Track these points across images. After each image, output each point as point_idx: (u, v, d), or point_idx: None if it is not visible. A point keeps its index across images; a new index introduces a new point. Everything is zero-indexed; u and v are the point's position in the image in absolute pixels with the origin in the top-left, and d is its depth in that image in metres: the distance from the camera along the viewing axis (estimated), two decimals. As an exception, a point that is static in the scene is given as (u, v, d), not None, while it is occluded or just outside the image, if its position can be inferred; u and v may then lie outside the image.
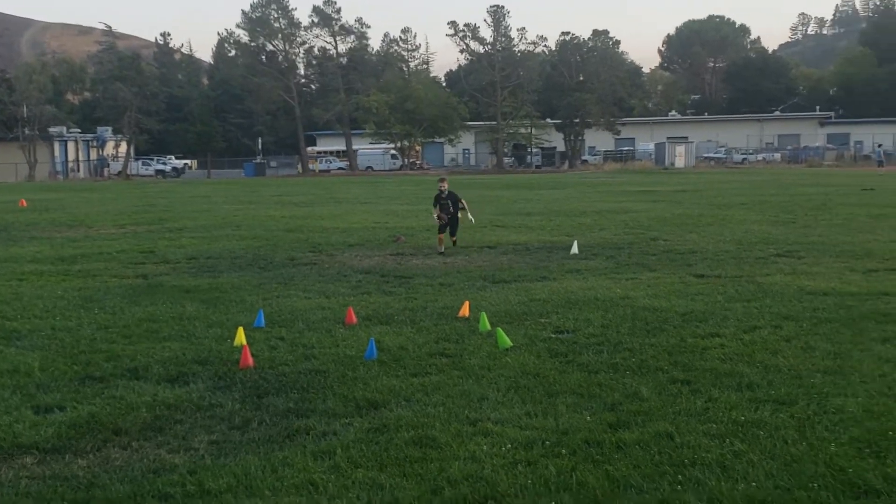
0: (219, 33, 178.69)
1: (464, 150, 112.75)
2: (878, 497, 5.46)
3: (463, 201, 20.11)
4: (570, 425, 7.02)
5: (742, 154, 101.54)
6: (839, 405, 7.35)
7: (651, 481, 5.80)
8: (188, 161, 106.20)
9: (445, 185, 19.96)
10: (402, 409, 7.57)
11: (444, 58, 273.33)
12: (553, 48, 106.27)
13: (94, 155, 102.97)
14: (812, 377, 8.28)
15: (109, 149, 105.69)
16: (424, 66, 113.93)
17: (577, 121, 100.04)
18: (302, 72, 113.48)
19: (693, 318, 11.27)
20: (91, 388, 8.43)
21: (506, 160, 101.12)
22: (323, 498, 5.66)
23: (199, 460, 6.44)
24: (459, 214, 19.88)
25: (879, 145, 78.65)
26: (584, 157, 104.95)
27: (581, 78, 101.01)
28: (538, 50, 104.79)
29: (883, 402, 7.43)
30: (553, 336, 10.41)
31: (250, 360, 9.21)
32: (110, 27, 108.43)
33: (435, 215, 19.81)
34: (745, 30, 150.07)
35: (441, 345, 10.04)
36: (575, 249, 18.80)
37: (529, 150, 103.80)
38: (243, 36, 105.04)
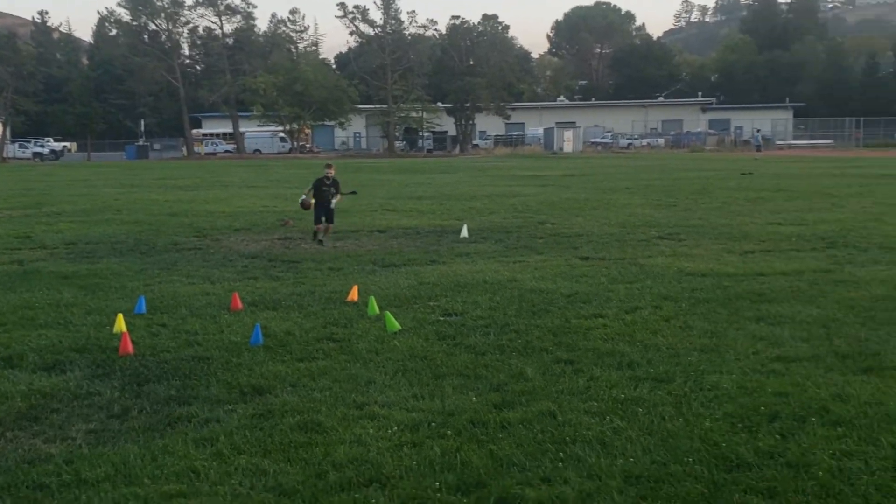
0: (99, 12, 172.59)
1: (354, 133, 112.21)
2: (749, 470, 5.69)
3: (340, 194, 18.67)
4: (455, 406, 7.09)
5: (627, 139, 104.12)
6: (714, 382, 7.63)
7: (534, 459, 5.92)
8: (67, 143, 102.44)
9: (332, 172, 18.47)
10: (287, 395, 7.51)
11: (334, 40, 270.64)
12: (443, 32, 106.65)
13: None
14: (689, 355, 8.56)
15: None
16: (313, 48, 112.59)
17: (467, 105, 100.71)
18: (186, 52, 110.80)
19: (577, 299, 11.51)
20: (-41, 379, 8.08)
21: (397, 144, 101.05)
22: (204, 485, 5.58)
23: (77, 449, 6.26)
24: (334, 202, 18.26)
25: (758, 130, 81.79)
26: (474, 142, 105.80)
27: (471, 62, 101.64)
28: (428, 33, 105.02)
29: (756, 378, 7.73)
30: (441, 319, 10.47)
31: (130, 348, 8.98)
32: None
33: (301, 200, 18.43)
34: (630, 17, 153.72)
35: (329, 329, 9.98)
36: (465, 233, 18.95)
37: (421, 133, 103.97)
38: (125, 15, 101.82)
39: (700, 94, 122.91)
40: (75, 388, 7.79)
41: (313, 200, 17.95)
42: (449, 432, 6.47)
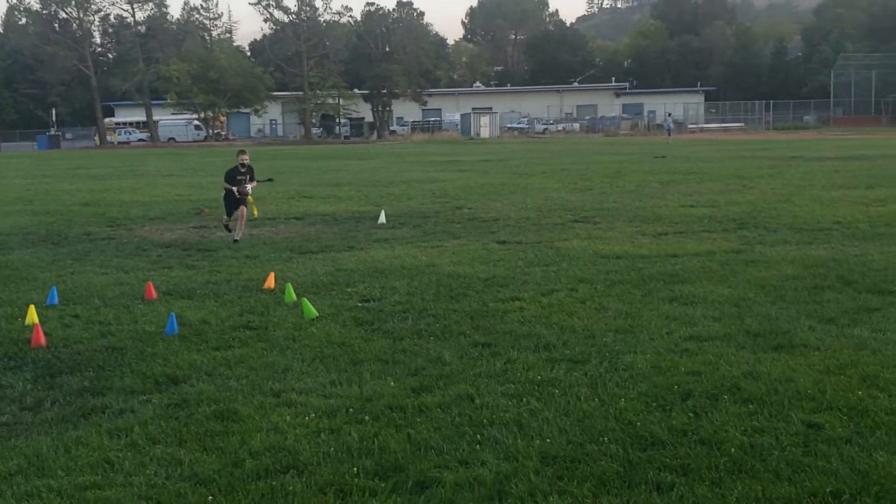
0: (8, 0, 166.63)
1: (271, 120, 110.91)
2: (664, 448, 5.83)
3: (256, 181, 17.21)
4: (373, 392, 7.12)
5: (543, 124, 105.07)
6: (629, 362, 7.81)
7: (451, 442, 5.99)
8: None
9: (246, 158, 16.99)
10: (203, 384, 7.45)
11: (248, 27, 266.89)
12: (358, 19, 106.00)
13: None
14: (604, 336, 8.74)
15: None
16: (227, 35, 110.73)
17: (384, 91, 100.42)
18: (98, 40, 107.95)
19: (495, 283, 11.64)
20: None
21: (314, 131, 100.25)
22: (119, 475, 5.52)
23: (-11, 444, 6.13)
24: (249, 188, 16.75)
25: (670, 115, 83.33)
26: (392, 128, 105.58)
27: (387, 49, 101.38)
28: (344, 20, 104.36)
29: (669, 358, 7.92)
30: (359, 305, 10.48)
31: (42, 339, 8.80)
32: None
33: (229, 189, 16.67)
34: (544, 3, 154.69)
35: (245, 317, 9.91)
36: (382, 219, 18.96)
37: (338, 120, 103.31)
38: (34, 3, 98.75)
39: (613, 79, 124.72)
40: (-15, 382, 7.61)
41: (237, 189, 16.55)
42: (367, 418, 6.50)
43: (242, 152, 17.38)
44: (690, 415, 6.44)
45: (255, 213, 17.93)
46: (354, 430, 6.23)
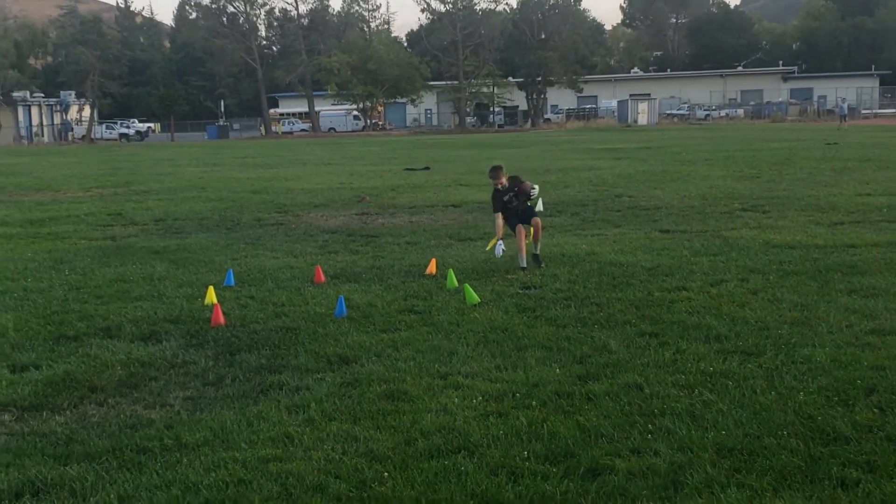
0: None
1: (426, 110, 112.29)
2: (847, 443, 5.58)
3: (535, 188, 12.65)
4: (539, 378, 7.12)
5: (705, 110, 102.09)
6: (807, 355, 7.50)
7: (622, 430, 5.92)
8: (151, 124, 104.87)
9: (502, 181, 12.16)
10: (373, 364, 7.64)
11: (405, 17, 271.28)
12: (514, 6, 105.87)
13: (57, 119, 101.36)
14: (779, 328, 8.43)
15: (73, 113, 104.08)
16: (385, 26, 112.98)
17: (539, 79, 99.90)
18: (263, 33, 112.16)
19: (659, 272, 11.41)
20: (65, 347, 8.43)
21: (468, 120, 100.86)
22: (298, 450, 5.73)
23: (175, 415, 6.49)
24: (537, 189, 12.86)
25: (843, 100, 79.33)
26: (546, 116, 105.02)
27: (543, 36, 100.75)
28: (499, 8, 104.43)
29: (850, 351, 7.56)
30: (520, 292, 10.50)
31: (221, 318, 9.22)
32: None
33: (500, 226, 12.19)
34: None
35: (409, 301, 10.10)
36: (539, 207, 18.89)
37: (492, 109, 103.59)
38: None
39: (781, 62, 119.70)
40: (171, 357, 8.06)
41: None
42: (534, 403, 6.51)
43: (496, 169, 12.30)
44: (875, 411, 6.14)
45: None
46: (522, 415, 6.25)
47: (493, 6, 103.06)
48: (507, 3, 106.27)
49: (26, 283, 11.74)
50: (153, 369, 7.71)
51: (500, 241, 12.08)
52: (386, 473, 5.33)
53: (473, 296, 9.95)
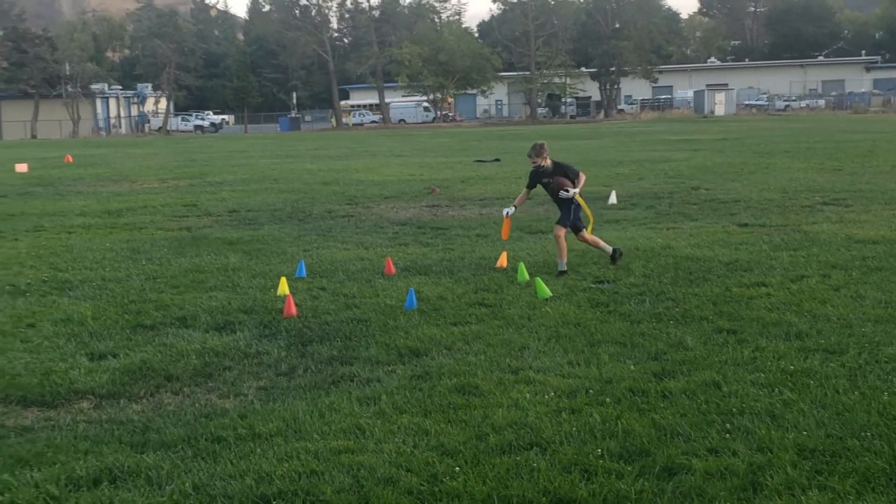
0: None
1: (496, 101, 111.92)
2: (933, 445, 5.38)
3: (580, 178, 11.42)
4: (613, 374, 7.00)
5: (784, 101, 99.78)
6: (891, 354, 7.24)
7: (699, 430, 5.78)
8: (225, 116, 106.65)
9: (542, 159, 11.34)
10: (443, 358, 7.61)
11: (477, 8, 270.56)
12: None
13: (134, 111, 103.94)
14: (863, 326, 8.16)
15: (149, 105, 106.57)
16: (456, 17, 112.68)
17: (612, 69, 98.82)
18: (335, 26, 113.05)
19: (737, 267, 11.15)
20: (142, 336, 8.59)
21: (539, 110, 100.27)
22: (370, 442, 5.73)
23: (249, 405, 6.55)
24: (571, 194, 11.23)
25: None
26: (620, 106, 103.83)
27: (617, 25, 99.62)
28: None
29: (935, 350, 7.30)
30: (593, 286, 10.36)
31: (294, 310, 9.29)
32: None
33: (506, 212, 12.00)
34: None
35: (480, 295, 10.04)
36: (613, 199, 18.66)
37: (564, 99, 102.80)
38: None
39: (863, 52, 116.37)
40: (245, 347, 8.14)
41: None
42: (608, 400, 6.40)
43: (537, 149, 11.40)
44: (965, 413, 5.89)
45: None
46: (596, 412, 6.15)
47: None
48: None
49: (104, 272, 12.00)
50: (227, 359, 7.79)
51: (513, 207, 11.98)
52: (457, 468, 5.28)
53: (545, 290, 9.84)
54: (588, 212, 11.68)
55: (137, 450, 5.68)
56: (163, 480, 5.20)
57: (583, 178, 11.42)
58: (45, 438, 5.94)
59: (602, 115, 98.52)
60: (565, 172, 11.36)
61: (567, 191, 11.21)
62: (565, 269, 11.18)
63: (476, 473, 5.21)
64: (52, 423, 6.32)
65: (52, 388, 7.01)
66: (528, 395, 6.54)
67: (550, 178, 11.36)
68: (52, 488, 5.08)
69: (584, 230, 11.58)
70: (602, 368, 7.17)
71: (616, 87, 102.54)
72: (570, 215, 11.37)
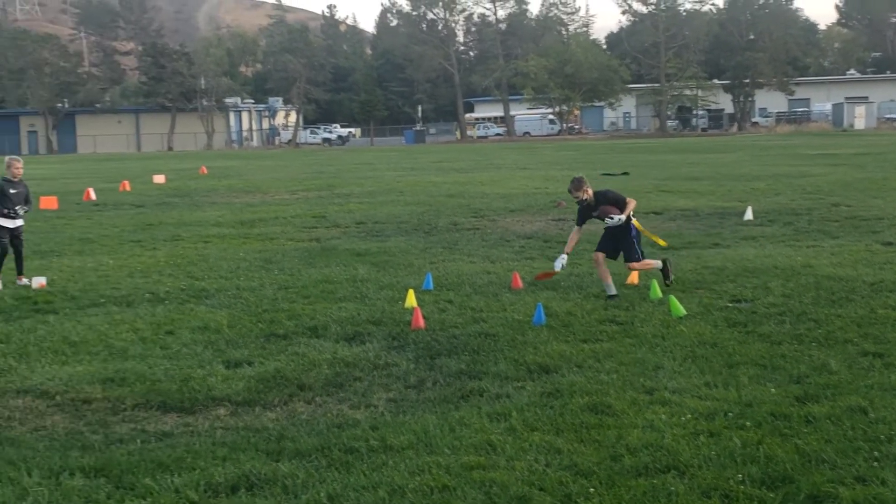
0: (382, 4, 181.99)
1: (624, 113, 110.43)
2: None
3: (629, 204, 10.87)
4: (753, 397, 6.75)
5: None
6: None
7: (845, 456, 5.50)
8: (352, 129, 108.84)
9: (588, 192, 10.86)
10: (574, 375, 7.49)
11: (605, 20, 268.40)
12: (721, 6, 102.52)
13: (265, 124, 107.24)
14: None
15: (280, 118, 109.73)
16: (584, 28, 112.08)
17: (746, 81, 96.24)
18: (461, 39, 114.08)
19: (883, 287, 10.61)
20: (275, 345, 8.77)
21: (669, 123, 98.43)
22: (501, 458, 5.66)
23: (380, 417, 6.59)
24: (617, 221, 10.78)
25: None
26: (753, 119, 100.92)
27: (751, 36, 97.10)
28: (705, 8, 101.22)
29: None
30: (730, 305, 10.04)
31: (422, 322, 9.32)
32: (280, 1, 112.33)
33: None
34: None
35: (611, 311, 9.86)
36: (749, 215, 18.08)
37: (694, 112, 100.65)
38: (405, 6, 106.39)
39: None
40: (374, 358, 8.22)
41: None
42: (748, 423, 6.17)
43: (577, 183, 10.96)
44: None
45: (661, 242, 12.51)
46: (736, 436, 5.93)
47: (698, 6, 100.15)
48: (713, 3, 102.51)
49: (239, 281, 12.34)
50: (357, 370, 7.88)
51: (565, 256, 10.92)
52: (592, 489, 5.17)
53: (679, 308, 9.58)
54: (649, 235, 11.41)
55: (273, 458, 5.78)
56: (298, 489, 5.26)
57: (632, 203, 10.84)
58: (185, 444, 6.11)
59: (735, 128, 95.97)
60: (608, 200, 10.94)
61: (612, 217, 10.75)
62: (614, 292, 10.61)
63: (612, 495, 5.09)
64: (190, 428, 6.50)
65: (190, 395, 7.22)
66: (663, 417, 6.36)
67: (596, 210, 10.92)
68: (191, 494, 5.21)
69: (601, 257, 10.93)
70: (741, 391, 6.92)
71: (750, 99, 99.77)
72: (634, 248, 10.86)
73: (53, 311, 10.56)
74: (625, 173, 33.11)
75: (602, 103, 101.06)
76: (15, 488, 5.36)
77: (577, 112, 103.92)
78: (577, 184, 10.92)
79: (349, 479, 5.38)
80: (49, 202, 24.50)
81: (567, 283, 11.59)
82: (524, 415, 6.47)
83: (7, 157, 13.02)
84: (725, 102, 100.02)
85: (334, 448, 5.89)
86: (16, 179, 12.60)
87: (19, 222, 12.67)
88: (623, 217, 10.72)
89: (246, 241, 16.80)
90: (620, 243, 10.91)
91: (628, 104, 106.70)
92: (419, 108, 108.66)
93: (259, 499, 5.15)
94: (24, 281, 12.39)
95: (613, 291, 10.63)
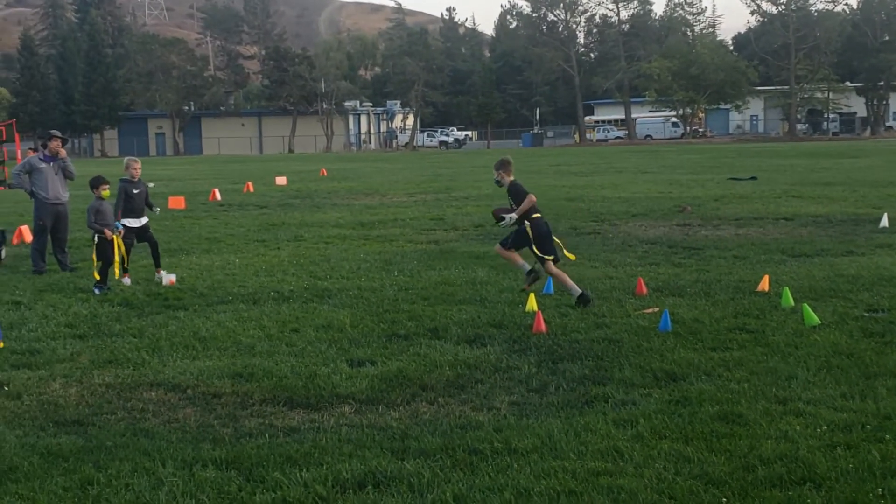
0: (501, 6, 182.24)
1: (751, 116, 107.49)
2: None
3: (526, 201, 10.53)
4: (892, 409, 6.45)
5: None
6: None
7: None
8: (469, 132, 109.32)
9: (505, 177, 10.87)
10: (703, 383, 7.29)
11: (732, 20, 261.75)
12: (854, 6, 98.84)
13: (383, 127, 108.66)
14: None
15: (397, 121, 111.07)
16: (710, 29, 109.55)
17: (880, 84, 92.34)
18: (582, 41, 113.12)
19: None
20: (397, 345, 8.84)
21: (799, 126, 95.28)
22: (629, 465, 5.55)
23: (503, 419, 6.55)
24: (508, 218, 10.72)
25: None
26: (888, 123, 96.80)
27: (886, 38, 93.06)
28: (837, 9, 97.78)
29: None
30: (866, 314, 9.62)
31: (543, 326, 9.24)
32: (400, 4, 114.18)
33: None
34: None
35: (740, 319, 9.58)
36: (885, 222, 17.29)
37: (826, 115, 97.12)
38: (525, 7, 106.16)
39: None
40: (495, 361, 8.18)
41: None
42: (887, 437, 5.90)
43: (501, 164, 11.02)
44: None
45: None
46: (875, 449, 5.68)
47: (830, 6, 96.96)
48: (846, 3, 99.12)
49: (360, 282, 12.50)
50: (479, 372, 7.86)
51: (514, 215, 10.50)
52: (724, 499, 5.03)
53: (813, 317, 9.22)
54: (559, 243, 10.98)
55: (398, 456, 5.81)
56: (424, 488, 5.27)
57: (529, 200, 10.47)
58: (311, 440, 6.20)
59: (868, 132, 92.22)
60: (511, 192, 10.72)
61: (504, 217, 10.69)
62: (528, 267, 10.76)
63: (744, 507, 4.93)
64: (316, 424, 6.60)
65: (315, 392, 7.34)
66: (798, 428, 6.13)
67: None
68: (320, 488, 5.28)
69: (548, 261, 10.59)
70: (880, 403, 6.62)
71: (884, 102, 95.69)
72: (513, 236, 10.78)
73: (183, 308, 10.91)
74: (753, 178, 32.21)
75: (728, 106, 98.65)
76: (150, 478, 5.53)
77: (701, 115, 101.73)
78: (499, 164, 10.87)
79: (474, 481, 5.35)
80: (177, 202, 25.45)
81: (693, 289, 11.32)
82: (652, 422, 6.33)
83: (126, 159, 13.49)
84: (858, 106, 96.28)
85: (458, 449, 5.87)
86: (135, 180, 13.09)
87: (144, 220, 13.18)
88: (514, 216, 10.52)
89: (366, 242, 17.03)
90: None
91: (756, 107, 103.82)
92: (537, 110, 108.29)
93: (386, 496, 5.18)
94: (163, 274, 12.82)
95: (526, 267, 10.77)
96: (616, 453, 5.75)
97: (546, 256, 10.52)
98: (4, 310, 10.92)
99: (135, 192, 13.02)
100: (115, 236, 12.27)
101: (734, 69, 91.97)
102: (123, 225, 12.70)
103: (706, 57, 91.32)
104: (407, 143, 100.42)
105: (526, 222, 10.56)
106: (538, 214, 10.65)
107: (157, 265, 13.12)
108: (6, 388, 7.60)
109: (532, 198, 10.51)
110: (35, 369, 8.25)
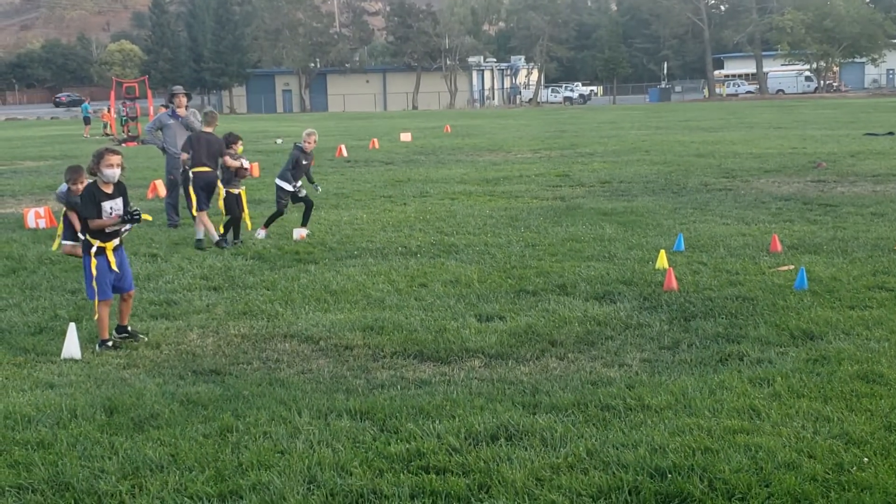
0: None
1: (888, 70, 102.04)
2: None
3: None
4: None
5: None
6: None
7: None
8: (594, 87, 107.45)
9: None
10: (841, 342, 7.10)
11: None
12: None
13: (507, 83, 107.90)
14: None
15: (521, 77, 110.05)
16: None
17: None
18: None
19: None
20: (525, 301, 8.86)
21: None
22: (766, 424, 5.45)
23: (635, 376, 6.52)
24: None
25: None
26: None
27: None
28: None
29: None
30: None
31: (674, 283, 9.11)
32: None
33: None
34: None
35: (879, 278, 9.25)
36: None
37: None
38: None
39: None
40: (626, 317, 8.13)
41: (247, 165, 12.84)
42: None
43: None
44: None
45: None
46: None
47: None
48: None
49: (486, 238, 12.54)
50: (609, 328, 7.82)
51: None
52: (866, 459, 4.91)
53: (960, 276, 8.80)
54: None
55: (529, 410, 5.84)
56: (556, 442, 5.29)
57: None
58: (442, 392, 6.29)
59: None
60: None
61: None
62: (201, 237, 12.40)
63: (888, 466, 4.83)
64: (446, 377, 6.70)
65: (445, 345, 7.44)
66: (945, 392, 5.89)
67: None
68: (452, 440, 5.36)
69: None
70: None
71: None
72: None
73: (314, 262, 11.17)
74: (890, 133, 30.72)
75: (864, 59, 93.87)
76: (287, 427, 5.68)
77: (835, 69, 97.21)
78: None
79: (607, 436, 5.35)
80: (307, 159, 25.94)
81: (830, 247, 10.95)
82: (789, 381, 6.19)
83: (305, 130, 13.36)
84: None
85: (590, 404, 5.87)
86: (308, 151, 13.08)
87: (299, 184, 13.20)
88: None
89: (491, 198, 17.04)
90: None
91: (892, 60, 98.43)
92: (665, 65, 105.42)
93: (519, 449, 5.22)
94: (300, 230, 13.01)
95: (199, 236, 12.47)
96: (752, 412, 5.66)
97: None
98: (142, 262, 11.37)
99: (304, 163, 13.06)
100: (241, 191, 12.57)
101: (870, 21, 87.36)
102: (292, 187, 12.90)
103: (841, 9, 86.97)
104: (531, 99, 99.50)
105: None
106: None
107: (304, 223, 13.26)
108: (146, 338, 7.96)
109: None
110: (173, 320, 8.61)
